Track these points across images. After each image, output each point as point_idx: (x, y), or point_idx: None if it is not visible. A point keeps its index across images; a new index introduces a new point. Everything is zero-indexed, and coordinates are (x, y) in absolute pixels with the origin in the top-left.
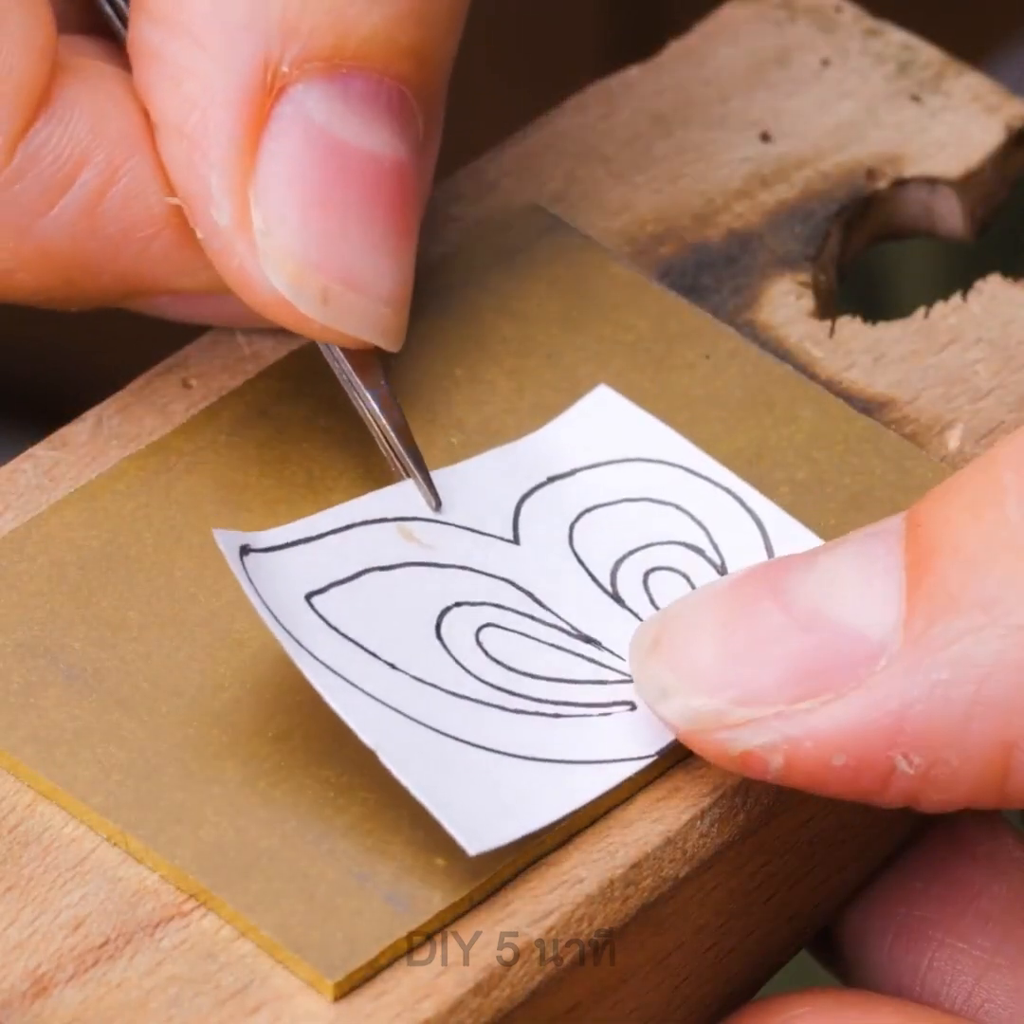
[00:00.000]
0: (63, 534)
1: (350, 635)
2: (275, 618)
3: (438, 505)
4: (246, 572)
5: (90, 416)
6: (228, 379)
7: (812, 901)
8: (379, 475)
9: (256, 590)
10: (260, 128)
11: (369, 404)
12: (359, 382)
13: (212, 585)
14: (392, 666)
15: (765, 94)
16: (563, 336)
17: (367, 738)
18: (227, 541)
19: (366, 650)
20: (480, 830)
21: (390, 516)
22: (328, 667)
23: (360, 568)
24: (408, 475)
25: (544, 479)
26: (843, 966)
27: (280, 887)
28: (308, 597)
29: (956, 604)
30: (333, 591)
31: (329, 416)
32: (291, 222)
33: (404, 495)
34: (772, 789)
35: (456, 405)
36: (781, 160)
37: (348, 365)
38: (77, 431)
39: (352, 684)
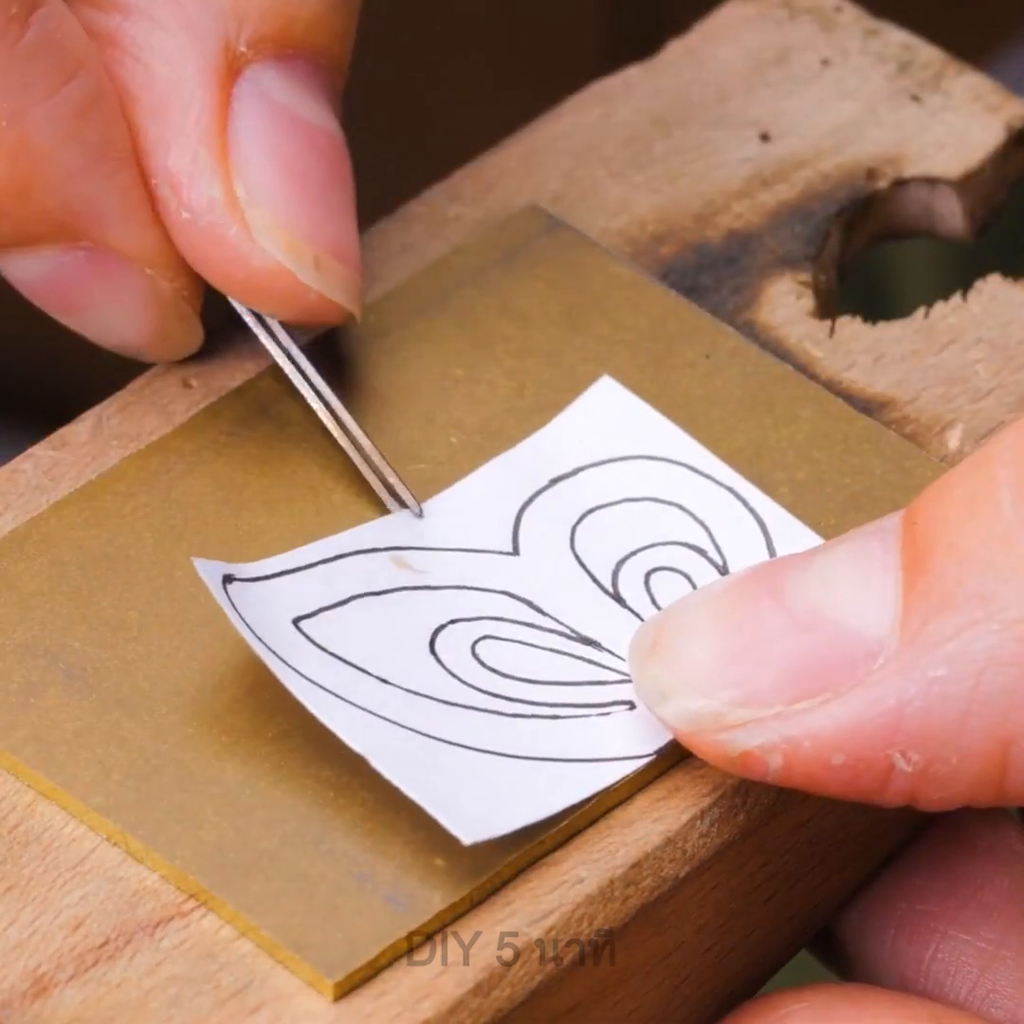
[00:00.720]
0: (63, 534)
1: (340, 654)
2: (260, 639)
3: (420, 512)
4: (229, 599)
5: (90, 416)
6: (228, 379)
7: (812, 901)
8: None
9: (240, 615)
10: (227, 106)
11: (344, 417)
12: (333, 396)
13: None
14: (384, 681)
15: (765, 94)
16: (563, 336)
17: (357, 745)
18: (208, 570)
19: (356, 667)
20: (475, 821)
21: (382, 546)
22: (316, 684)
23: (351, 594)
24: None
25: (546, 482)
26: (845, 964)
27: (280, 887)
28: (296, 621)
29: (952, 600)
30: (322, 615)
31: None
32: (276, 194)
33: (396, 526)
34: (772, 789)
35: (456, 405)
36: (781, 160)
37: (320, 378)
38: (77, 431)
39: (342, 698)
